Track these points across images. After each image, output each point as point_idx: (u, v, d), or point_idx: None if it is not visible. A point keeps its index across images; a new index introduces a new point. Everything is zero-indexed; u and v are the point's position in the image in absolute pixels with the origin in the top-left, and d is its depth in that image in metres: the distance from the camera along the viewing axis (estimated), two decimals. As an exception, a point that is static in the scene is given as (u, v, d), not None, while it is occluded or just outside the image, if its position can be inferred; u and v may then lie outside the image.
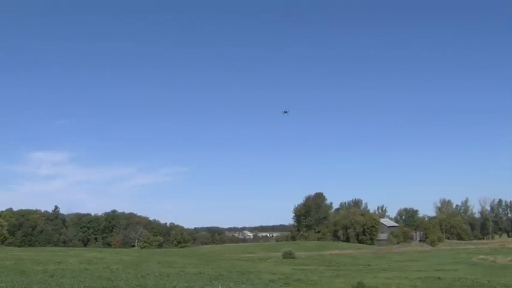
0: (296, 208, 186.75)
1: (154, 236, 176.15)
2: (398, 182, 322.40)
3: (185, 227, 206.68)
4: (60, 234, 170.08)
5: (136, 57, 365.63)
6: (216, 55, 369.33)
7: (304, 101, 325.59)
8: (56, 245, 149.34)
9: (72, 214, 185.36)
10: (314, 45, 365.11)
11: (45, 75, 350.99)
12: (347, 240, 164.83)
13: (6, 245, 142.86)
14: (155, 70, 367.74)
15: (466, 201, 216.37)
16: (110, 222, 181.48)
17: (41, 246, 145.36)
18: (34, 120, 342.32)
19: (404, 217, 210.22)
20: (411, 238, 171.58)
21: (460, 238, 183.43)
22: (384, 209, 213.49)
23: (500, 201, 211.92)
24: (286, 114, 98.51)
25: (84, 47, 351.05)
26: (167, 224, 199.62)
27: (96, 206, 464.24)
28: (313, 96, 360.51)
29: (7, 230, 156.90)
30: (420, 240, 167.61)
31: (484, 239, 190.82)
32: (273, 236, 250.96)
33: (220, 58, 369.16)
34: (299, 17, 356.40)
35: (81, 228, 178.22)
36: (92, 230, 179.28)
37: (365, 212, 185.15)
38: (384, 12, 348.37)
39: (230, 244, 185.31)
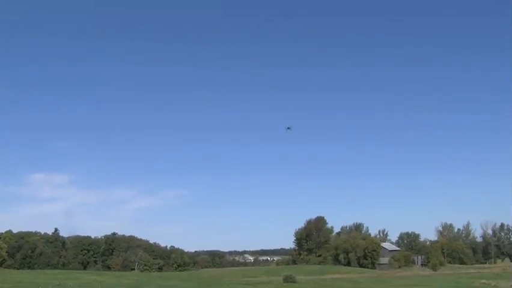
0: (297, 232, 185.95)
1: (154, 259, 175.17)
2: (399, 205, 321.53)
3: (186, 250, 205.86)
4: (60, 257, 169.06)
5: (136, 80, 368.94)
6: (214, 79, 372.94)
7: (305, 125, 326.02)
8: (55, 268, 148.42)
9: (72, 236, 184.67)
10: (315, 66, 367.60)
11: (46, 96, 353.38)
12: (348, 264, 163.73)
13: (5, 268, 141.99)
14: (156, 94, 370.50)
15: (468, 225, 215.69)
16: (110, 245, 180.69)
17: (40, 268, 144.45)
18: (34, 142, 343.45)
19: (405, 241, 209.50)
20: (413, 262, 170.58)
21: (462, 262, 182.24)
22: (385, 233, 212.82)
23: (502, 225, 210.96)
24: (289, 130, 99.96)
25: (85, 69, 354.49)
26: (168, 247, 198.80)
27: (96, 229, 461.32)
28: (314, 120, 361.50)
29: (6, 252, 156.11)
30: (421, 265, 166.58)
31: (486, 263, 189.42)
32: (273, 259, 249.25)
33: (219, 81, 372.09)
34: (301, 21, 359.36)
35: (81, 250, 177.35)
36: (92, 253, 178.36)
37: (366, 236, 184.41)
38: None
39: (231, 268, 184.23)
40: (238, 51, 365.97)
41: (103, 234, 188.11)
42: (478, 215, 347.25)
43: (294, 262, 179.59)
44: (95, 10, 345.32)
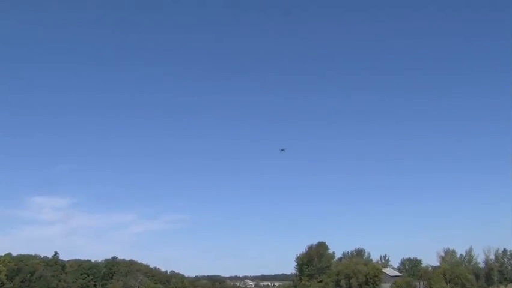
0: (298, 257, 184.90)
1: (154, 283, 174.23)
2: (400, 231, 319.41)
3: (186, 275, 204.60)
4: (60, 281, 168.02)
5: (139, 107, 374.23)
6: (215, 107, 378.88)
7: (305, 151, 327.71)
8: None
9: (72, 260, 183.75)
10: (316, 94, 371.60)
11: (48, 120, 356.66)
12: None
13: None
14: (158, 120, 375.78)
15: (470, 250, 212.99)
16: (110, 269, 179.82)
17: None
18: (35, 165, 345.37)
19: (407, 267, 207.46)
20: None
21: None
22: (387, 258, 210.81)
23: (504, 250, 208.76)
24: (283, 152, 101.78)
25: (89, 95, 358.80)
26: (168, 272, 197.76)
27: (96, 252, 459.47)
28: (315, 146, 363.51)
29: (5, 275, 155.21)
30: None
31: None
32: (274, 285, 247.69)
33: (220, 109, 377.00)
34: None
35: (81, 274, 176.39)
36: (92, 277, 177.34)
37: (368, 262, 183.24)
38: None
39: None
40: (238, 81, 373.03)
41: (103, 258, 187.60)
42: (480, 240, 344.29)
43: (295, 287, 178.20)
44: (110, 40, 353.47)
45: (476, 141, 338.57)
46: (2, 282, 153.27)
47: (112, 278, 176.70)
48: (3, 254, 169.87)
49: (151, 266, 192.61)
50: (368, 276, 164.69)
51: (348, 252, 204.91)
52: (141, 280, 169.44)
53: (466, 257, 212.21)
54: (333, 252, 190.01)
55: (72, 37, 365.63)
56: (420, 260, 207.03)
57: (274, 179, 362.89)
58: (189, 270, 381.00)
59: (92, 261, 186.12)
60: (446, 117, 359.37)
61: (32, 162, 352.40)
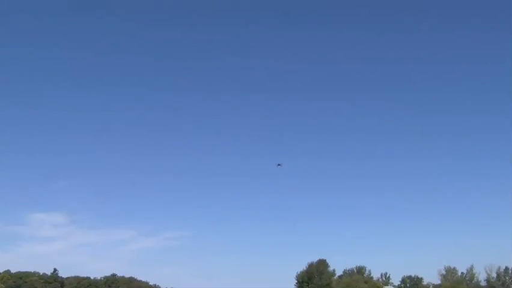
0: (298, 275, 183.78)
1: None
2: (401, 248, 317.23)
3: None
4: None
5: (137, 123, 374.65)
6: (215, 124, 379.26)
7: (306, 168, 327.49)
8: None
9: (71, 277, 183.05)
10: (315, 113, 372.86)
11: (47, 136, 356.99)
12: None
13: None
14: (157, 137, 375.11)
15: (471, 268, 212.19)
16: (109, 286, 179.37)
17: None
18: (35, 181, 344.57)
19: (408, 284, 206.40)
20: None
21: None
22: (387, 276, 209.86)
23: (506, 268, 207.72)
24: (280, 166, 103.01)
25: (87, 112, 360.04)
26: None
27: (96, 269, 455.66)
28: (317, 164, 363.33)
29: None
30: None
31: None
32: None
33: (220, 126, 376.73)
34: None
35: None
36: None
37: (369, 279, 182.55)
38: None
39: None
40: (237, 100, 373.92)
41: (103, 275, 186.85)
42: (481, 258, 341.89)
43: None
44: (98, 59, 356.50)
45: (477, 158, 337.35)
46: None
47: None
48: (2, 271, 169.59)
49: (151, 283, 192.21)
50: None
51: (348, 269, 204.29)
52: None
53: (467, 275, 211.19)
54: (334, 270, 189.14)
55: (76, 58, 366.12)
56: (421, 278, 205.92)
57: (274, 197, 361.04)
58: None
59: (92, 278, 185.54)
60: (445, 135, 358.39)
61: (33, 178, 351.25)
